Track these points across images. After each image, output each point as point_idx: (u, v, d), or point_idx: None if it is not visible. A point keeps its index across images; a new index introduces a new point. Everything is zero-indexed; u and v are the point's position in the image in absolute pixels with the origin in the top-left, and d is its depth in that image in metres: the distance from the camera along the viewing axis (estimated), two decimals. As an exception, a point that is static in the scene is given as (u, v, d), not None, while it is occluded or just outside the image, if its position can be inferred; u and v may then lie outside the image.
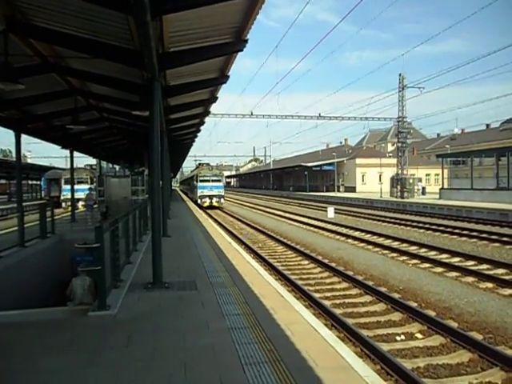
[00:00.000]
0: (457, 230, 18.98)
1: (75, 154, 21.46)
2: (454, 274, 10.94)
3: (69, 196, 24.06)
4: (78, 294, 7.23)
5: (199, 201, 36.55)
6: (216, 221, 24.86)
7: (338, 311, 7.96)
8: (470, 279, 10.34)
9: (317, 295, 9.06)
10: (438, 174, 55.12)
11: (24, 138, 14.43)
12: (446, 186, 37.42)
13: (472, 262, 12.20)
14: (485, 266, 11.63)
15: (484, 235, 17.19)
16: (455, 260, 12.61)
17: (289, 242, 16.52)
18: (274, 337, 4.78)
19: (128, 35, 7.24)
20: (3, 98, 11.23)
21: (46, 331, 5.25)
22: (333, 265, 12.08)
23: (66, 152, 21.16)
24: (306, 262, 12.99)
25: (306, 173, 63.10)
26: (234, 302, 6.22)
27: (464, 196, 31.97)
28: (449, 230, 19.30)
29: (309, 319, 5.51)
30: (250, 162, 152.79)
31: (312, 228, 21.77)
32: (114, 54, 7.87)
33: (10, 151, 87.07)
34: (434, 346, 6.38)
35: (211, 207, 35.91)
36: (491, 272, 10.88)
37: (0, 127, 13.54)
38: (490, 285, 9.78)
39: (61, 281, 12.39)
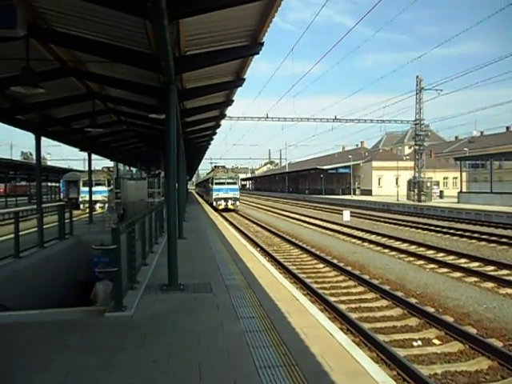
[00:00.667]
0: (475, 235, 18.67)
1: (93, 156, 21.81)
2: (473, 279, 10.75)
3: (87, 198, 24.43)
4: (101, 298, 7.33)
5: (214, 203, 36.67)
6: (231, 223, 24.91)
7: (353, 315, 7.89)
8: (490, 284, 10.15)
9: (332, 299, 9.00)
10: (456, 178, 54.29)
11: (44, 140, 14.74)
12: (464, 190, 36.81)
13: (491, 267, 11.97)
14: (505, 272, 11.40)
15: (504, 240, 16.84)
16: (474, 265, 12.39)
17: (304, 245, 16.46)
18: (288, 340, 4.76)
19: (145, 39, 7.33)
20: (24, 102, 11.48)
21: (63, 331, 5.33)
22: (348, 268, 11.98)
23: (85, 154, 21.52)
24: (322, 266, 12.92)
25: (321, 176, 62.82)
26: (248, 305, 6.22)
27: (483, 200, 31.39)
28: (467, 234, 18.98)
29: (324, 323, 5.47)
30: (265, 164, 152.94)
31: (327, 231, 21.66)
32: (131, 58, 7.97)
33: (31, 153, 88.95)
34: (452, 353, 6.27)
35: (226, 210, 35.99)
36: (511, 277, 10.65)
37: (21, 130, 13.83)
38: (510, 290, 9.58)
39: (78, 281, 12.59)
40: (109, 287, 7.17)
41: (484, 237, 17.87)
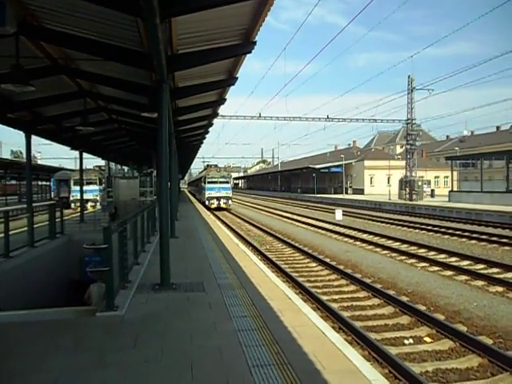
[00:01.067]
0: (466, 233, 18.83)
1: (84, 155, 21.66)
2: (464, 277, 10.84)
3: (78, 197, 24.28)
4: (94, 300, 7.28)
5: (207, 202, 36.60)
6: (224, 222, 24.89)
7: (345, 314, 7.92)
8: (480, 283, 10.24)
9: (324, 298, 9.03)
10: (447, 177, 54.77)
11: (34, 139, 14.61)
12: (455, 189, 37.12)
13: (482, 266, 12.08)
14: (495, 270, 11.51)
15: (494, 238, 17.00)
16: (465, 263, 12.49)
17: (296, 244, 16.48)
18: (281, 339, 4.76)
19: (137, 37, 7.29)
20: (14, 100, 11.36)
21: (54, 331, 5.29)
22: (341, 267, 12.02)
23: (76, 153, 21.42)
24: (314, 265, 12.95)
25: (314, 175, 62.97)
26: (241, 304, 6.22)
27: (473, 199, 31.69)
28: (458, 232, 19.13)
29: (316, 322, 5.48)
30: (257, 163, 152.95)
31: (320, 230, 21.71)
32: (123, 56, 7.92)
33: (21, 152, 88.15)
34: (443, 350, 6.32)
35: (219, 209, 35.96)
36: (501, 276, 10.76)
37: (11, 128, 13.70)
38: (500, 288, 9.67)
39: (70, 281, 12.52)
40: (103, 289, 7.13)
41: (475, 235, 18.04)
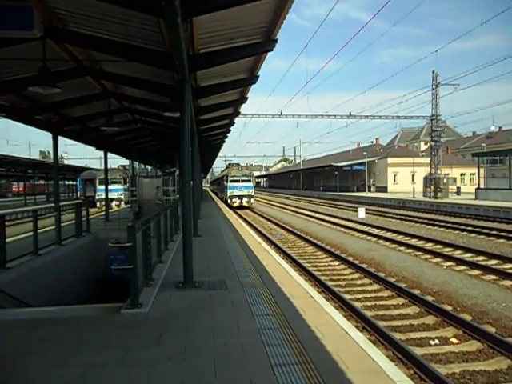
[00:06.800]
0: (494, 232, 18.33)
1: (109, 155, 22.05)
2: (492, 277, 10.56)
3: (103, 196, 24.74)
4: None
5: (229, 201, 36.78)
6: (246, 221, 24.94)
7: (369, 313, 7.83)
8: (509, 283, 9.96)
9: (347, 297, 8.94)
10: (473, 174, 53.46)
11: (61, 139, 14.94)
12: (482, 186, 36.18)
13: (510, 265, 11.74)
14: (524, 270, 11.17)
15: (523, 237, 16.50)
16: (492, 262, 12.17)
17: (319, 243, 16.38)
18: (304, 338, 4.74)
19: (159, 38, 7.36)
20: (41, 102, 11.65)
21: (80, 327, 5.41)
22: (364, 266, 11.89)
23: (101, 153, 21.87)
24: (337, 263, 12.85)
25: (336, 173, 62.44)
26: (263, 303, 6.22)
27: (501, 196, 30.81)
28: (485, 231, 18.65)
29: (339, 321, 5.44)
30: (279, 162, 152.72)
31: (342, 228, 21.53)
32: (145, 56, 8.02)
33: (49, 153, 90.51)
34: (470, 352, 6.18)
35: (241, 207, 36.08)
36: (531, 275, 10.43)
37: (39, 130, 14.06)
38: (530, 289, 9.38)
39: (95, 278, 12.78)
40: None
41: (503, 234, 17.54)
